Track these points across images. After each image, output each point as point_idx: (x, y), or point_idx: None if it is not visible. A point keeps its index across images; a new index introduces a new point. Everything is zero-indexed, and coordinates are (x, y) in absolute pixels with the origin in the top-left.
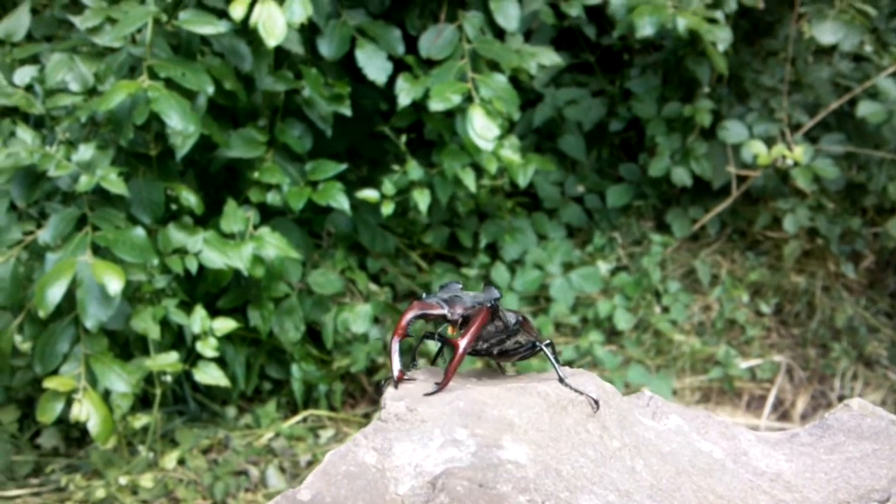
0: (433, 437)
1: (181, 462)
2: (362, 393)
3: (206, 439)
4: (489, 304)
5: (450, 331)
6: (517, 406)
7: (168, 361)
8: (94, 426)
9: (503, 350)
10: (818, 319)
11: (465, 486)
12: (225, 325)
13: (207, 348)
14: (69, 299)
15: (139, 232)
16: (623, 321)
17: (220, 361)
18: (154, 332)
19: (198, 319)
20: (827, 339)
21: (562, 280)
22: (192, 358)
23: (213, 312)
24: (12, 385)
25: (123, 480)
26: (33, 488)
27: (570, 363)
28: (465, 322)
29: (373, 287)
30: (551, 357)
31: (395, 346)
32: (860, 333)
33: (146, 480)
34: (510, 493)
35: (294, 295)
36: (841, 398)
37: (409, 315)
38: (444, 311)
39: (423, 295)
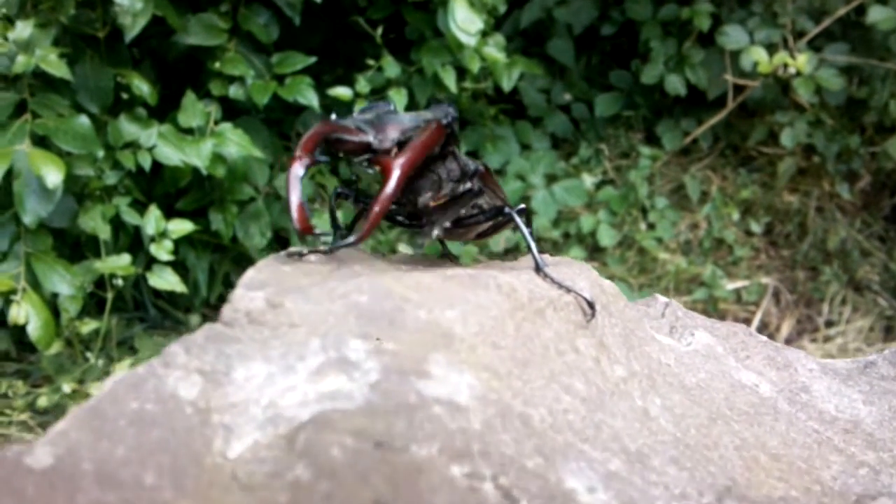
0: (306, 353)
1: None
2: None
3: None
4: (444, 121)
5: (379, 170)
6: (461, 304)
7: (119, 264)
8: (34, 330)
9: (456, 218)
10: (809, 241)
11: (350, 446)
12: (181, 226)
13: (162, 251)
14: (7, 192)
15: (83, 120)
16: (607, 237)
17: (181, 266)
18: (104, 231)
19: (152, 220)
20: (817, 262)
21: (544, 192)
22: (149, 261)
23: (173, 214)
24: None
25: (67, 388)
26: None
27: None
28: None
29: None
30: (525, 231)
31: (297, 175)
32: (852, 257)
33: (95, 389)
34: (434, 462)
35: (260, 199)
36: (829, 323)
37: (319, 135)
38: (369, 137)
39: (334, 116)
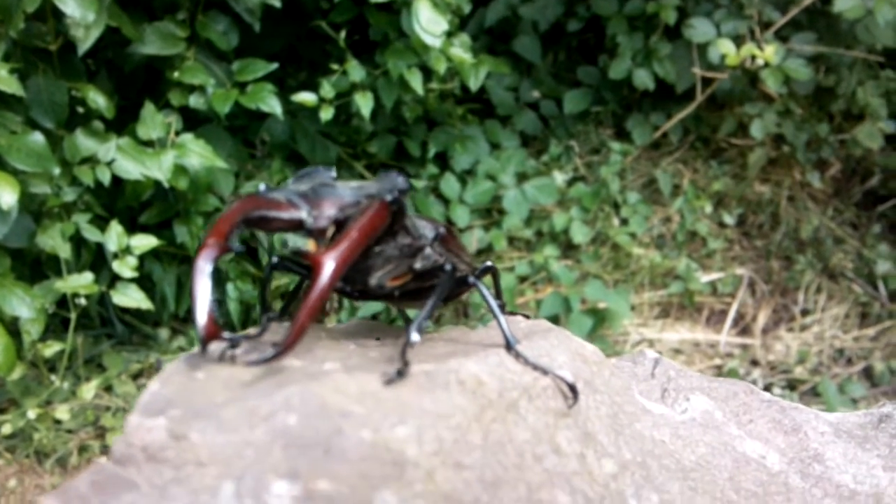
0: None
1: (108, 389)
2: None
3: (136, 363)
4: (388, 199)
5: (311, 247)
6: (416, 416)
7: (82, 283)
8: None
9: (413, 289)
10: (782, 231)
11: None
12: (145, 241)
13: (125, 268)
14: None
15: (37, 137)
16: (580, 234)
17: (148, 280)
18: (64, 250)
19: (113, 236)
20: (791, 251)
21: (515, 191)
22: (113, 278)
23: (136, 227)
24: None
25: (32, 414)
26: None
27: (524, 278)
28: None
29: None
30: (492, 303)
31: (203, 271)
32: (825, 245)
33: (62, 412)
34: None
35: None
36: (804, 312)
37: (235, 218)
38: (301, 212)
39: (262, 187)
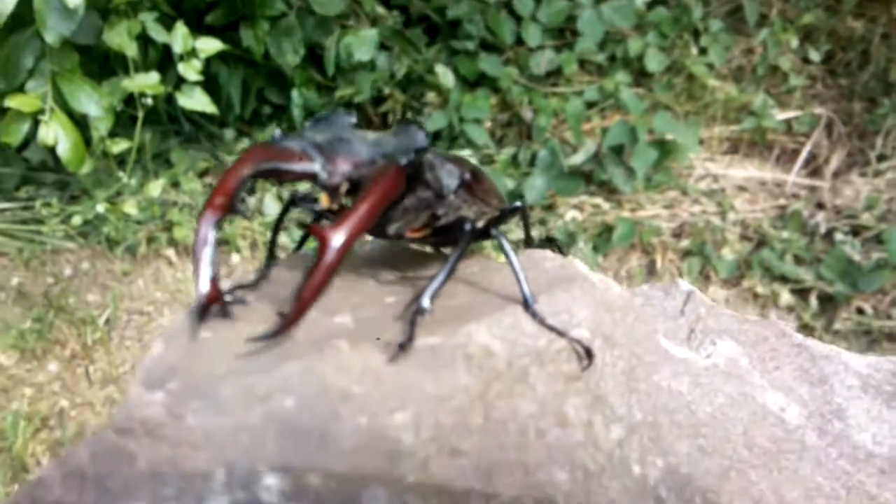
0: (208, 494)
1: (175, 185)
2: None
3: (202, 161)
4: (404, 163)
5: (324, 202)
6: (415, 401)
7: (148, 83)
8: (63, 151)
9: (432, 236)
10: (870, 71)
11: None
12: (210, 45)
13: (191, 71)
14: (29, 8)
15: None
16: (655, 62)
17: (214, 82)
18: (130, 48)
19: (179, 37)
20: (877, 93)
21: (591, 12)
22: (179, 80)
23: (203, 29)
24: None
25: (101, 207)
26: (21, 202)
27: (591, 104)
28: (355, 190)
29: (380, 10)
30: (513, 260)
31: (206, 234)
32: None
33: (131, 206)
34: None
35: (292, 14)
36: (881, 157)
37: (243, 171)
38: (315, 166)
39: (277, 134)
